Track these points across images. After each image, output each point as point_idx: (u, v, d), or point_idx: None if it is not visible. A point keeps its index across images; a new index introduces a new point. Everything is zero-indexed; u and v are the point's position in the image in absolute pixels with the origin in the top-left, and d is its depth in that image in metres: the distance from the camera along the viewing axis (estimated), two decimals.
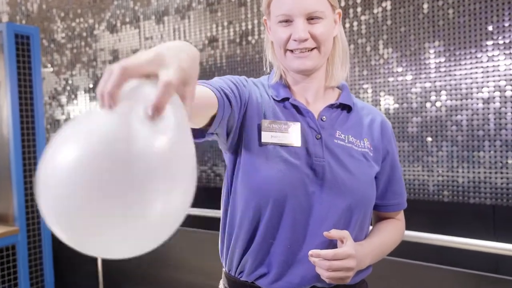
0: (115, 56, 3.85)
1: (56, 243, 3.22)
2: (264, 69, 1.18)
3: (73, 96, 4.14)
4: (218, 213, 2.71)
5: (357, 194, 1.03)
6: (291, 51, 1.05)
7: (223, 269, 1.16)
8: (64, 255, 3.33)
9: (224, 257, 1.13)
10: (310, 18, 1.02)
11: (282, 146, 1.02)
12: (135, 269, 3.15)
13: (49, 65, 4.26)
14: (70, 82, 4.16)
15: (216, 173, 3.33)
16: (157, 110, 0.49)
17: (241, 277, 1.08)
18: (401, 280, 2.32)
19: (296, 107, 1.08)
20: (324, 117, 1.09)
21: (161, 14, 3.57)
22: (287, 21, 1.03)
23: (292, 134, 1.03)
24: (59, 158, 0.50)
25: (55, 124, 4.26)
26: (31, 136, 2.99)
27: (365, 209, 1.06)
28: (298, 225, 1.01)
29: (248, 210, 1.03)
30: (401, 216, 1.25)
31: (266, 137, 1.03)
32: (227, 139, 1.04)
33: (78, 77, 4.10)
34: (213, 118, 0.93)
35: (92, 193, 0.47)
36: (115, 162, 0.48)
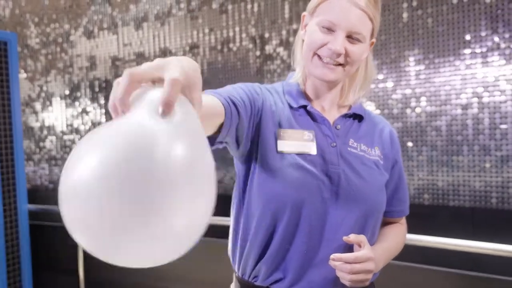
0: (93, 62, 3.80)
1: (35, 251, 3.15)
2: (292, 64, 1.18)
3: (48, 103, 4.07)
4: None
5: (371, 200, 1.07)
6: (319, 57, 1.05)
7: (235, 274, 1.17)
8: (44, 264, 3.26)
9: (236, 263, 1.14)
10: (350, 37, 1.03)
11: (298, 154, 1.04)
12: (119, 280, 3.11)
13: (22, 71, 4.17)
14: (45, 88, 4.08)
15: None
16: (167, 106, 0.51)
17: (255, 281, 1.09)
18: (384, 280, 2.38)
19: (312, 115, 1.10)
20: (338, 125, 1.12)
21: (140, 20, 3.55)
22: (329, 29, 1.03)
23: (307, 143, 1.06)
24: (81, 171, 0.50)
25: (29, 131, 4.17)
26: (8, 143, 2.92)
27: (377, 215, 1.10)
28: (314, 231, 1.04)
29: (264, 217, 1.04)
30: (403, 221, 1.30)
31: (282, 145, 1.04)
32: (237, 147, 1.05)
33: (53, 84, 4.03)
34: (221, 126, 0.93)
35: (115, 202, 0.48)
36: (136, 173, 0.48)
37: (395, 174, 1.20)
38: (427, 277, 2.27)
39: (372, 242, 1.11)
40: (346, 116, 1.14)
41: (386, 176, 1.15)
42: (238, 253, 1.13)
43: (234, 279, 1.18)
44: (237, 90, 1.02)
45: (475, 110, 2.34)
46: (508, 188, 2.27)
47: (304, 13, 1.12)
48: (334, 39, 1.02)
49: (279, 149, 1.04)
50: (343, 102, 1.15)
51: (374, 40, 1.11)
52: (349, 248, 1.05)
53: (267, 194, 1.03)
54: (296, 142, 1.05)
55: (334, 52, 1.02)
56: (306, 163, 1.04)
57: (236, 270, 1.15)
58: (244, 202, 1.11)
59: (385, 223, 1.26)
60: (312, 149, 1.05)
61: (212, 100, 0.90)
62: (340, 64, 1.05)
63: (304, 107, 1.11)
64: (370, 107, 2.62)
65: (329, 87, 1.12)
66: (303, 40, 1.11)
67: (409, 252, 2.39)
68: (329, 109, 1.14)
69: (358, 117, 1.16)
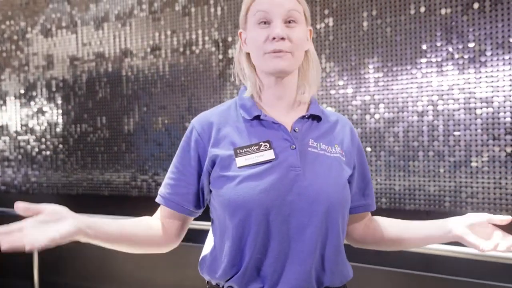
0: (50, 61, 3.70)
1: None
2: (237, 82, 1.20)
3: (1, 102, 3.93)
4: None
5: (333, 198, 1.08)
6: (268, 53, 1.09)
7: (210, 281, 1.17)
8: None
9: (211, 273, 1.14)
10: (288, 22, 1.09)
11: (258, 164, 1.08)
12: (74, 285, 3.04)
13: None
14: None
15: (158, 182, 3.30)
16: None
17: None
18: None
19: (267, 123, 1.14)
20: (296, 128, 1.14)
21: (100, 20, 3.49)
22: (265, 22, 1.09)
23: (265, 152, 1.09)
24: None
25: None
26: None
27: (342, 211, 1.11)
28: (282, 235, 1.05)
29: (233, 229, 1.06)
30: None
31: (240, 161, 1.09)
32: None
33: (7, 82, 3.90)
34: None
35: None
36: None
37: (358, 170, 1.22)
38: (383, 278, 2.34)
39: (341, 239, 1.12)
40: (303, 118, 1.16)
41: (349, 171, 1.17)
42: (212, 266, 1.14)
43: (208, 286, 1.18)
44: (174, 174, 1.17)
45: (431, 117, 2.44)
46: (460, 192, 2.37)
47: (239, 31, 1.17)
48: (273, 27, 1.08)
49: (239, 165, 1.08)
50: (302, 98, 1.17)
51: (310, 28, 1.17)
52: (317, 247, 1.07)
53: (233, 206, 1.06)
54: (254, 155, 1.08)
55: (277, 37, 1.06)
56: (266, 169, 1.07)
57: (210, 278, 1.16)
58: (214, 222, 1.16)
59: (355, 222, 1.27)
60: (270, 156, 1.08)
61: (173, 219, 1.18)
62: (287, 52, 1.09)
63: (258, 117, 1.13)
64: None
65: (282, 80, 1.13)
66: (247, 54, 1.16)
67: (365, 254, 2.46)
68: (286, 114, 1.16)
69: (316, 118, 1.18)
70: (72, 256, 3.12)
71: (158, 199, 1.19)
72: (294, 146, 1.10)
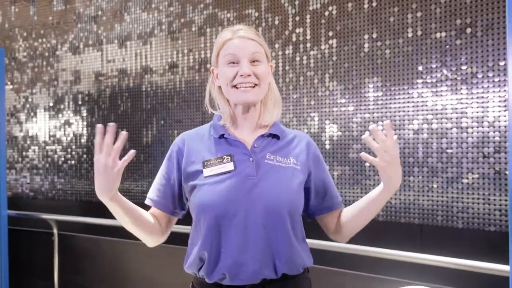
0: (77, 77, 3.97)
1: (13, 256, 3.27)
2: (206, 109, 1.49)
3: (32, 114, 4.22)
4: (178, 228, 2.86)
5: (281, 201, 1.31)
6: (237, 87, 1.34)
7: (193, 273, 1.40)
8: (20, 268, 3.37)
9: (192, 267, 1.37)
10: (253, 61, 1.35)
11: (221, 174, 1.33)
12: (93, 285, 3.24)
13: (8, 83, 4.33)
14: (30, 100, 4.24)
15: None
16: None
17: (202, 278, 1.34)
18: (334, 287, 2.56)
19: (230, 141, 1.39)
20: (256, 144, 1.39)
21: (123, 39, 3.75)
22: (234, 62, 1.35)
23: (226, 164, 1.34)
24: None
25: (13, 141, 4.31)
26: None
27: (292, 211, 1.33)
28: (240, 231, 1.29)
29: (200, 227, 1.33)
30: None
31: (207, 172, 1.35)
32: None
33: (38, 96, 4.19)
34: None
35: None
36: None
37: (315, 176, 1.45)
38: (378, 286, 2.46)
39: (291, 235, 1.32)
40: (263, 136, 1.41)
41: (303, 177, 1.39)
42: (191, 260, 1.37)
43: (193, 277, 1.42)
44: (161, 180, 1.43)
45: (425, 135, 2.56)
46: (452, 207, 2.48)
47: (211, 68, 1.44)
48: (241, 66, 1.34)
49: (205, 175, 1.34)
50: (262, 123, 1.42)
51: (271, 64, 1.43)
52: (270, 242, 1.29)
53: (198, 206, 1.32)
54: (218, 166, 1.34)
55: (244, 75, 1.33)
56: (227, 177, 1.32)
57: (191, 272, 1.40)
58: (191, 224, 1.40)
59: (326, 219, 1.50)
60: (230, 168, 1.33)
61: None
62: (254, 86, 1.35)
63: (223, 135, 1.39)
64: (333, 128, 2.83)
65: (248, 111, 1.40)
66: (219, 88, 1.42)
67: (364, 263, 2.58)
68: (251, 133, 1.42)
69: (275, 136, 1.43)
70: (90, 256, 3.33)
71: (147, 202, 1.44)
72: (252, 159, 1.35)
